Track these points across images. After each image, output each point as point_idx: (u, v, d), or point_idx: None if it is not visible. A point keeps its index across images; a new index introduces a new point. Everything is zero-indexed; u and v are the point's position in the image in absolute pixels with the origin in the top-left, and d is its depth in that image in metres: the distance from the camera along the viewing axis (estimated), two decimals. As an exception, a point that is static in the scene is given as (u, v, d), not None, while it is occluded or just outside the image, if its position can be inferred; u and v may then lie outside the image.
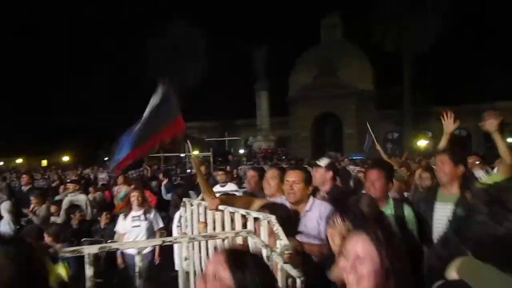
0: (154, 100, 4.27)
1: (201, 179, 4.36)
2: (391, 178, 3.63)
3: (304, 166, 4.65)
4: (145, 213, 5.98)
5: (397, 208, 3.36)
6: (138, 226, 5.91)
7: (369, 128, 9.24)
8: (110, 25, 49.35)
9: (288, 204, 3.38)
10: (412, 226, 3.26)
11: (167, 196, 9.61)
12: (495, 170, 3.92)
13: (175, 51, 37.26)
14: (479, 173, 5.25)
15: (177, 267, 4.42)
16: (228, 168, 13.00)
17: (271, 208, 3.09)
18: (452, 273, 1.46)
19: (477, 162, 4.82)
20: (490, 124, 3.75)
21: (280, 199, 3.70)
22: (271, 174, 3.88)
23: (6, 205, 7.23)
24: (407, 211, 3.31)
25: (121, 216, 6.16)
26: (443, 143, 4.31)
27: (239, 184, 11.70)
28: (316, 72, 38.73)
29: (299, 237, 3.13)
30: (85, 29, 50.44)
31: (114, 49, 47.85)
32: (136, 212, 5.98)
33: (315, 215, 3.26)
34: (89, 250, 2.14)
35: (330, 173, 4.33)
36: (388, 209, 3.34)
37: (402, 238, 2.21)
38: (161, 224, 6.18)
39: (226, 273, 1.41)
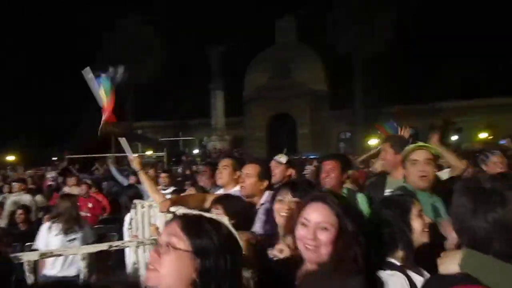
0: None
1: (146, 181, 4.22)
2: (346, 169, 3.71)
3: (264, 160, 4.63)
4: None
5: (350, 197, 3.39)
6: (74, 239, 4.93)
7: None
8: (59, 21, 47.42)
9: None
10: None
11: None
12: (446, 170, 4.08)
13: (127, 48, 36.34)
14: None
15: (128, 271, 4.29)
16: (180, 169, 12.82)
17: (224, 201, 3.03)
18: (452, 266, 1.43)
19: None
20: (434, 137, 3.97)
21: (233, 190, 3.66)
22: (223, 163, 3.81)
23: None
24: (361, 200, 3.36)
25: (45, 227, 4.94)
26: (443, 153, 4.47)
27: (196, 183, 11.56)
28: (271, 72, 39.04)
29: (254, 229, 3.11)
30: (32, 23, 48.22)
31: (64, 47, 45.97)
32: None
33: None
34: (29, 257, 2.01)
35: (290, 170, 4.34)
36: None
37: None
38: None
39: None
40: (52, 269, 4.50)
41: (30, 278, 2.04)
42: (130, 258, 4.02)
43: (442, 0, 40.26)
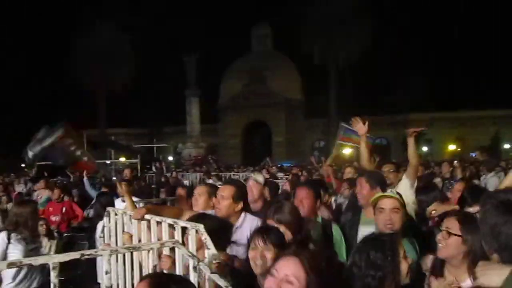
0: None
1: (124, 189, 4.17)
2: (319, 196, 3.70)
3: (238, 181, 4.63)
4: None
5: (325, 228, 3.36)
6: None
7: None
8: (31, 21, 46.31)
9: None
10: (338, 248, 3.27)
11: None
12: (401, 183, 4.19)
13: (101, 54, 35.84)
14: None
15: (99, 280, 4.19)
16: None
17: (200, 218, 3.01)
18: (494, 278, 1.41)
19: (391, 170, 5.19)
20: (409, 132, 4.05)
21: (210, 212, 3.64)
22: (198, 191, 3.76)
23: None
24: (335, 232, 3.32)
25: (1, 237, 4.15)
26: (362, 145, 4.59)
27: (171, 191, 11.40)
28: (246, 80, 39.17)
29: (229, 250, 3.08)
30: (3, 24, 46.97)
31: (33, 49, 44.90)
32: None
33: (246, 231, 3.20)
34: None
35: (267, 190, 4.33)
36: (316, 231, 3.33)
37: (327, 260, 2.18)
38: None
39: None
40: (12, 282, 4.13)
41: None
42: (103, 267, 3.93)
43: (416, 11, 41.41)
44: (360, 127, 4.62)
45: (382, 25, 33.84)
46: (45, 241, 5.38)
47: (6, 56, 44.99)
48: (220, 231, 3.01)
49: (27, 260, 2.11)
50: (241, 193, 3.46)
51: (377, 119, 37.28)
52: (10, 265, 1.98)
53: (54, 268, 2.07)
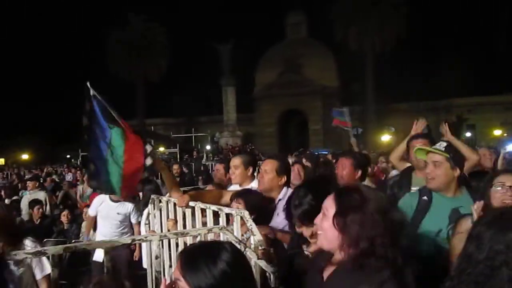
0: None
1: (166, 175, 4.23)
2: (360, 166, 3.69)
3: (282, 155, 4.65)
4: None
5: None
6: None
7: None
8: (69, 20, 47.89)
9: None
10: None
11: None
12: None
13: (137, 46, 36.56)
14: None
15: (145, 265, 4.31)
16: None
17: (244, 196, 3.04)
18: None
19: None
20: (445, 131, 3.97)
21: (250, 186, 3.68)
22: (234, 163, 3.81)
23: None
24: None
25: None
26: (405, 142, 4.46)
27: (207, 179, 11.59)
28: (281, 69, 38.95)
29: (272, 223, 3.11)
30: (44, 24, 48.72)
31: (74, 45, 46.44)
32: None
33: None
34: (54, 250, 2.03)
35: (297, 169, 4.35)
36: None
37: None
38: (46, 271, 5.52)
39: (182, 279, 1.39)
40: None
41: (54, 272, 2.05)
42: (148, 253, 4.05)
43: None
44: (418, 128, 4.45)
45: (419, 8, 32.73)
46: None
47: (49, 52, 46.72)
48: (263, 207, 3.05)
49: (82, 245, 2.20)
50: (284, 168, 3.48)
51: (416, 105, 36.40)
52: (67, 249, 2.07)
53: (107, 252, 2.14)
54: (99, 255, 5.05)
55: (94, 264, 5.45)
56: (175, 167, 8.58)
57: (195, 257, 1.45)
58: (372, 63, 34.96)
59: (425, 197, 2.69)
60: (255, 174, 3.97)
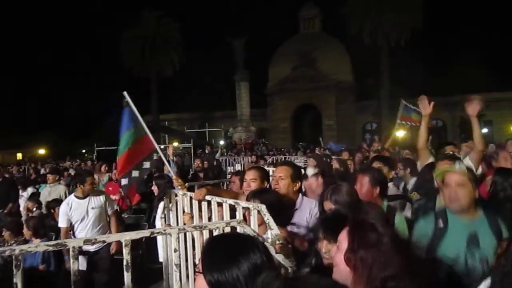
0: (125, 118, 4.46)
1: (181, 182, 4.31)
2: (378, 183, 3.46)
3: (293, 162, 4.62)
4: None
5: (388, 215, 3.14)
6: None
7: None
8: (84, 15, 48.25)
9: None
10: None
11: None
12: (466, 158, 3.99)
13: (150, 41, 36.77)
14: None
15: (161, 259, 4.34)
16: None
17: (260, 195, 3.02)
18: None
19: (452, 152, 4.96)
20: (473, 108, 3.88)
21: None
22: (251, 176, 3.65)
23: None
24: (399, 221, 3.11)
25: None
26: (423, 125, 4.42)
27: (219, 174, 11.63)
28: (295, 63, 38.76)
29: (289, 228, 3.08)
30: (57, 17, 49.15)
31: (89, 41, 46.77)
32: None
33: (304, 214, 3.19)
34: (74, 243, 2.05)
35: (320, 180, 4.26)
36: (378, 216, 3.15)
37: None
38: (114, 208, 5.82)
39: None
40: None
41: (74, 264, 2.07)
42: (164, 247, 4.08)
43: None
44: (425, 105, 4.43)
45: (434, 1, 32.17)
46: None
47: (65, 48, 47.22)
48: (281, 205, 3.03)
49: (102, 237, 2.22)
50: (298, 174, 3.52)
51: (432, 100, 35.87)
52: (86, 241, 2.09)
53: (126, 245, 2.16)
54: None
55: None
56: (198, 161, 8.58)
57: (219, 248, 1.47)
58: (387, 57, 34.57)
59: (440, 222, 2.59)
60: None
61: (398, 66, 34.36)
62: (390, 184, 4.49)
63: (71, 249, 2.09)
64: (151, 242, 5.38)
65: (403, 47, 33.80)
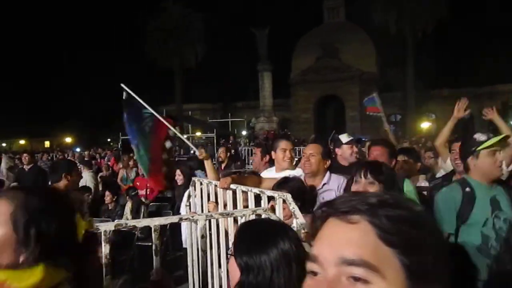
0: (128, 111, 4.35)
1: (208, 165, 4.32)
2: (394, 155, 3.62)
3: (324, 141, 4.68)
4: None
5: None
6: None
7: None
8: (108, 5, 48.86)
9: (303, 178, 3.39)
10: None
11: None
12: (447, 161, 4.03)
13: (174, 32, 36.97)
14: None
15: (185, 245, 4.42)
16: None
17: (285, 185, 3.06)
18: None
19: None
20: (459, 110, 3.97)
21: (292, 172, 3.70)
22: (310, 150, 3.61)
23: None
24: (407, 188, 3.16)
25: None
26: (449, 126, 4.40)
27: (243, 164, 11.70)
28: (318, 54, 38.41)
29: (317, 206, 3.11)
30: (83, 9, 49.94)
31: (113, 30, 47.43)
32: None
33: (333, 188, 3.25)
34: (106, 227, 2.12)
35: (355, 148, 4.33)
36: None
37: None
38: None
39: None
40: None
41: (106, 248, 2.13)
42: (188, 233, 4.15)
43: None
44: (460, 109, 4.38)
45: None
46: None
47: (89, 40, 47.94)
48: (304, 192, 3.07)
49: (132, 222, 2.28)
50: (328, 152, 3.60)
51: (459, 92, 35.13)
52: (117, 225, 2.16)
53: (155, 230, 2.22)
54: None
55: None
56: (222, 150, 8.66)
57: (250, 233, 1.51)
58: (412, 48, 33.91)
59: (468, 189, 2.72)
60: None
61: (423, 57, 33.70)
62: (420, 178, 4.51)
63: (102, 233, 2.16)
64: (174, 229, 5.51)
65: (429, 37, 33.12)
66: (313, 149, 3.48)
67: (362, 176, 2.25)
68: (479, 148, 2.75)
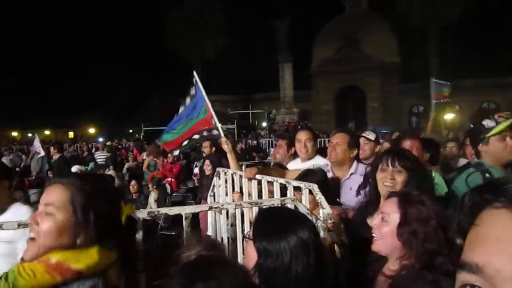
0: (189, 95, 4.66)
1: (232, 158, 4.36)
2: (426, 149, 3.66)
3: (350, 130, 4.67)
4: None
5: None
6: None
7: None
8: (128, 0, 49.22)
9: (327, 170, 3.40)
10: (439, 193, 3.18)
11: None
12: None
13: (194, 23, 37.04)
14: None
15: (209, 233, 4.51)
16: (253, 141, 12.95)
17: (308, 176, 3.09)
18: None
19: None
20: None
21: (318, 162, 3.72)
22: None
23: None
24: (437, 178, 3.17)
25: None
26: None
27: (264, 156, 11.73)
28: (339, 44, 37.98)
29: (343, 196, 3.16)
30: (105, 2, 50.38)
31: (132, 23, 47.74)
32: None
33: (360, 177, 3.25)
34: (139, 215, 2.20)
35: (379, 147, 4.30)
36: None
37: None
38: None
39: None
40: None
41: (140, 234, 2.21)
42: (227, 220, 4.23)
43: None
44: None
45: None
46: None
47: (110, 32, 48.48)
48: (327, 184, 3.10)
49: (164, 210, 2.35)
50: (354, 141, 3.56)
51: (483, 82, 34.36)
52: (150, 213, 2.23)
53: (186, 218, 2.29)
54: None
55: None
56: (206, 144, 8.68)
57: (271, 219, 1.55)
58: (436, 38, 33.22)
59: (487, 174, 2.75)
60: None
61: (447, 47, 33.00)
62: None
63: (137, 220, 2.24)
64: (195, 219, 5.62)
65: (453, 27, 32.37)
66: (339, 138, 3.47)
67: (390, 164, 2.25)
68: (488, 135, 2.77)
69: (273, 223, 1.56)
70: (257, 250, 1.48)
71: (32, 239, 1.31)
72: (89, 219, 1.32)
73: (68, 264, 1.27)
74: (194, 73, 4.65)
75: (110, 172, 8.49)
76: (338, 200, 3.27)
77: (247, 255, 1.58)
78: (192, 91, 4.58)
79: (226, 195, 4.14)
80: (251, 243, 1.52)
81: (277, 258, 1.45)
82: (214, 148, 6.26)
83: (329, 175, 3.40)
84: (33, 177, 9.52)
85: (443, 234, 1.55)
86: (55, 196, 1.34)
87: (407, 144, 3.52)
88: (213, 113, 4.45)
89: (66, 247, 1.30)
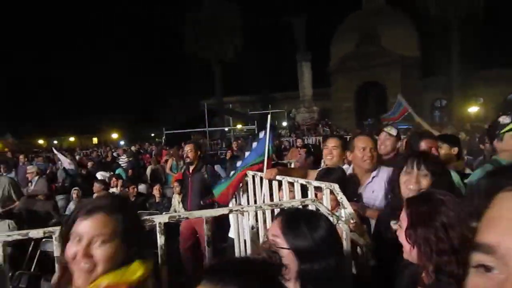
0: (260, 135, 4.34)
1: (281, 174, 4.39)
2: (452, 143, 3.71)
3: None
4: None
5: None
6: None
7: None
8: (147, 4, 49.85)
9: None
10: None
11: None
12: None
13: (212, 24, 37.17)
14: None
15: (231, 235, 4.52)
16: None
17: (327, 175, 3.09)
18: None
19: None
20: None
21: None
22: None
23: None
24: (455, 178, 3.11)
25: None
26: None
27: (281, 156, 11.68)
28: (357, 40, 37.56)
29: (366, 199, 3.14)
30: (119, 6, 51.16)
31: (152, 26, 48.33)
32: None
33: (383, 180, 3.20)
34: (160, 219, 2.22)
35: (400, 143, 4.29)
36: None
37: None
38: None
39: (280, 235, 1.47)
40: None
41: (161, 239, 2.23)
42: (248, 222, 4.24)
43: None
44: None
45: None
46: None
47: (129, 36, 49.13)
48: (347, 182, 3.08)
49: (185, 214, 2.37)
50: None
51: (506, 73, 33.45)
52: (171, 218, 2.25)
53: (207, 221, 2.30)
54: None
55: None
56: (189, 148, 8.57)
57: (297, 219, 1.53)
58: (457, 29, 32.46)
59: None
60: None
61: (469, 38, 32.21)
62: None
63: (157, 225, 2.26)
64: (219, 221, 5.63)
65: (475, 17, 31.56)
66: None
67: (415, 167, 2.19)
68: (502, 131, 2.72)
69: (300, 221, 1.52)
70: (296, 255, 1.45)
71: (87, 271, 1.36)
72: (133, 241, 1.42)
73: (116, 285, 1.33)
74: (269, 117, 4.18)
75: (141, 187, 8.59)
76: (355, 199, 3.25)
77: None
78: (261, 135, 4.23)
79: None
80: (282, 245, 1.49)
81: (313, 260, 1.43)
82: (198, 152, 5.86)
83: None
84: (60, 184, 9.75)
85: (446, 234, 1.50)
86: (102, 227, 1.38)
87: (425, 144, 3.49)
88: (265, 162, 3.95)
89: (115, 269, 1.37)
